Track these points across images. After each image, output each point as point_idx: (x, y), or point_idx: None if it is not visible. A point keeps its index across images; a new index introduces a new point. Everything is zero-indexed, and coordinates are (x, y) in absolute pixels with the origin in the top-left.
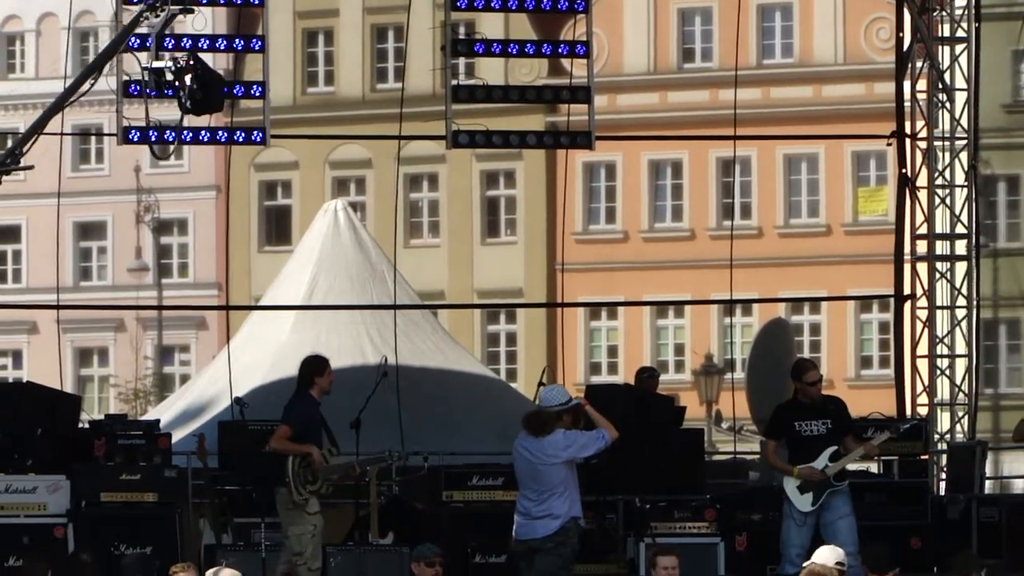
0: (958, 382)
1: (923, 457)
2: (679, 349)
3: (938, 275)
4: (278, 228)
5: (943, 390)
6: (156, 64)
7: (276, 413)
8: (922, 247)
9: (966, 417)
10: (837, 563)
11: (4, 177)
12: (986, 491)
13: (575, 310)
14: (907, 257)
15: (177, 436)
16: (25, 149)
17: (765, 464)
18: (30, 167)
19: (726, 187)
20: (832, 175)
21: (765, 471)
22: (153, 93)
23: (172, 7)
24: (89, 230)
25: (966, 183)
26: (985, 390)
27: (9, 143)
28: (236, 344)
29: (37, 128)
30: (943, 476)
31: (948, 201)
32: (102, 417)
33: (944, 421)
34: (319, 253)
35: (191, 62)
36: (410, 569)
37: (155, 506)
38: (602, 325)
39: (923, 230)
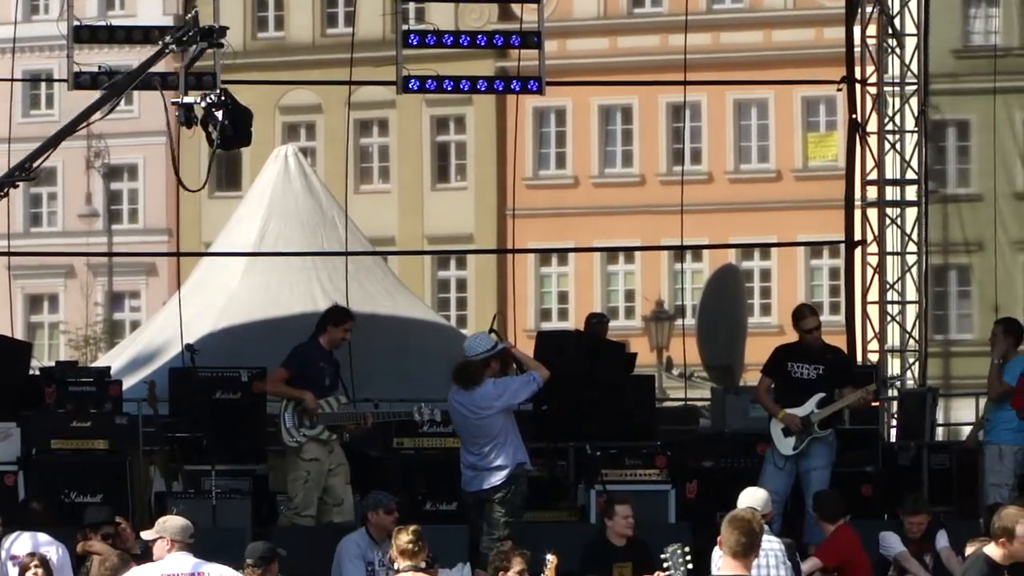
0: (908, 328)
1: (874, 404)
2: (630, 295)
3: (888, 221)
4: (228, 174)
5: (894, 336)
6: (186, 100)
7: (227, 359)
8: (872, 193)
9: (917, 363)
10: (760, 509)
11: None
12: (937, 438)
13: (525, 256)
14: (857, 203)
15: (128, 383)
16: (36, 165)
17: (716, 411)
18: (34, 178)
19: (676, 132)
20: (782, 120)
21: (716, 418)
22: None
23: (201, 42)
24: (39, 176)
25: (916, 129)
26: (935, 336)
27: None
28: (186, 290)
29: (49, 146)
30: (894, 423)
31: (898, 147)
32: (52, 364)
33: (895, 367)
34: (270, 199)
35: (222, 97)
36: (365, 517)
37: (106, 453)
38: (552, 271)
39: (873, 176)
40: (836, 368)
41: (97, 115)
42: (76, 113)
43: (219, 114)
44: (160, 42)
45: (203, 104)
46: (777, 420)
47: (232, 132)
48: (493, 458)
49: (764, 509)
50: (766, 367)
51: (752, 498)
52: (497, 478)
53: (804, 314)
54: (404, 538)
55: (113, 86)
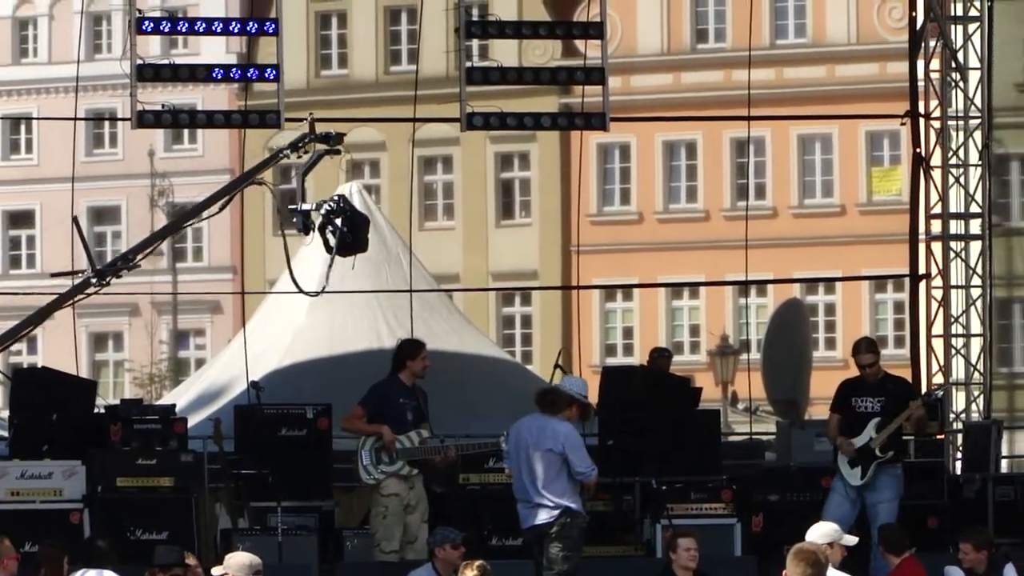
0: (973, 361)
1: (939, 436)
2: (694, 330)
3: (952, 254)
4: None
5: (958, 369)
6: (303, 207)
7: (291, 396)
8: (936, 227)
9: (981, 396)
10: (830, 542)
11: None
12: (1002, 470)
13: (590, 292)
14: (922, 237)
15: (193, 420)
16: (141, 257)
17: (781, 445)
18: (137, 265)
19: (740, 168)
20: (846, 155)
21: (781, 452)
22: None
23: (320, 147)
24: (103, 214)
25: (980, 162)
26: (1000, 369)
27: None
28: (251, 328)
29: (156, 239)
30: (959, 455)
31: (962, 180)
32: (117, 402)
33: (959, 400)
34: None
35: (341, 204)
36: (432, 552)
37: (171, 491)
38: (617, 307)
39: (937, 209)
40: (897, 397)
41: (215, 207)
42: (139, 151)
43: (338, 221)
44: (277, 150)
45: (322, 211)
46: (841, 452)
47: (351, 239)
48: (547, 493)
49: (829, 539)
50: (833, 403)
51: (819, 532)
52: (550, 515)
53: (860, 349)
54: (470, 574)
55: (228, 185)
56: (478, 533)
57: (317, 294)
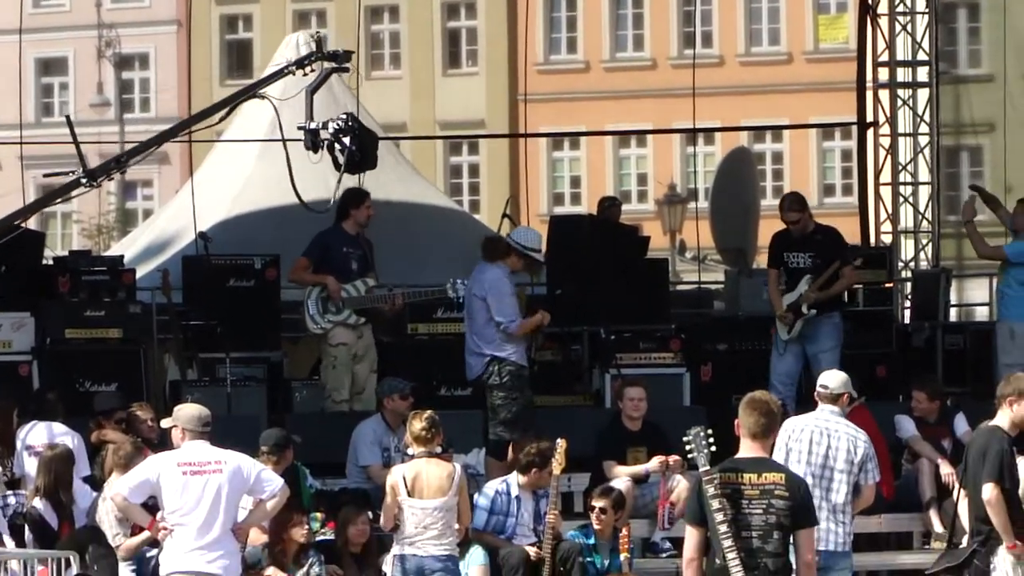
0: (921, 209)
1: (888, 285)
2: (642, 179)
3: (900, 102)
4: (240, 62)
5: (907, 217)
6: (311, 125)
7: (240, 247)
8: (883, 74)
9: (930, 245)
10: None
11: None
12: (951, 319)
13: (538, 141)
14: (869, 84)
15: (141, 271)
16: (132, 162)
17: (730, 294)
18: (126, 169)
19: (687, 15)
20: (792, 2)
21: (730, 301)
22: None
23: (327, 64)
24: (51, 66)
25: (927, 10)
26: (948, 217)
27: None
28: (199, 178)
29: (149, 145)
30: (907, 304)
31: (909, 28)
32: (66, 253)
33: (908, 249)
34: (282, 86)
35: (349, 123)
36: (381, 403)
37: (120, 342)
38: (564, 156)
39: (884, 57)
40: (826, 248)
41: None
42: (86, 2)
43: (347, 139)
44: (283, 66)
45: (330, 129)
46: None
47: (359, 157)
48: (478, 341)
49: (844, 389)
50: (769, 259)
51: (838, 380)
52: (480, 363)
53: (783, 206)
54: (418, 424)
55: (231, 96)
56: (427, 383)
57: (324, 212)
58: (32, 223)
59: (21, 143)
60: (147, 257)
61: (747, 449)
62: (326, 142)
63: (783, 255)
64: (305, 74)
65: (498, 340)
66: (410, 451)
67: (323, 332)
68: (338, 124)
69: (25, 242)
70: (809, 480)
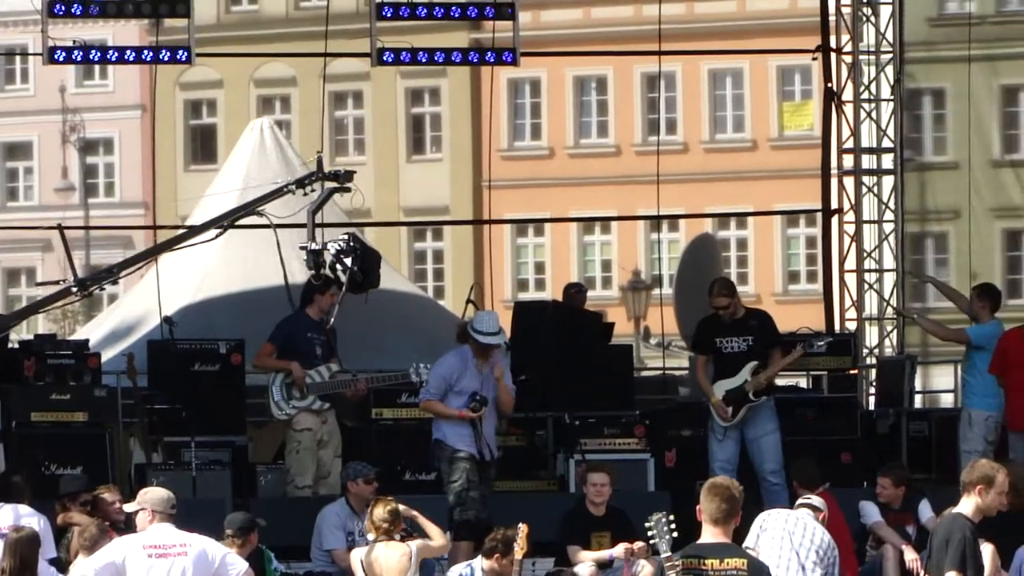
0: (886, 296)
1: (852, 372)
2: (606, 265)
3: (865, 189)
4: (204, 147)
5: (871, 304)
6: (313, 246)
7: (204, 332)
8: (848, 161)
9: (895, 331)
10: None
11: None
12: (915, 405)
13: (502, 227)
14: (834, 171)
15: (106, 355)
16: (124, 274)
17: (694, 380)
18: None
19: (651, 103)
20: (757, 90)
21: (694, 387)
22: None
23: (329, 184)
24: (15, 150)
25: (892, 97)
26: (913, 304)
27: None
28: (164, 263)
29: (142, 258)
30: (872, 391)
31: (874, 115)
32: (31, 337)
33: (873, 336)
34: (246, 171)
35: (351, 243)
36: (345, 487)
37: (85, 425)
38: (529, 242)
39: (849, 144)
40: (763, 334)
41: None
42: (50, 87)
43: (348, 260)
44: (282, 184)
45: (332, 250)
46: (712, 406)
47: (362, 278)
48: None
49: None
50: (695, 345)
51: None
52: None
53: (712, 292)
54: (379, 513)
55: (223, 216)
56: (391, 468)
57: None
58: None
59: None
60: (112, 341)
61: (709, 535)
62: (328, 263)
63: (715, 341)
64: (305, 193)
65: (439, 422)
66: (369, 536)
67: (288, 418)
68: (339, 245)
69: None
70: (776, 570)
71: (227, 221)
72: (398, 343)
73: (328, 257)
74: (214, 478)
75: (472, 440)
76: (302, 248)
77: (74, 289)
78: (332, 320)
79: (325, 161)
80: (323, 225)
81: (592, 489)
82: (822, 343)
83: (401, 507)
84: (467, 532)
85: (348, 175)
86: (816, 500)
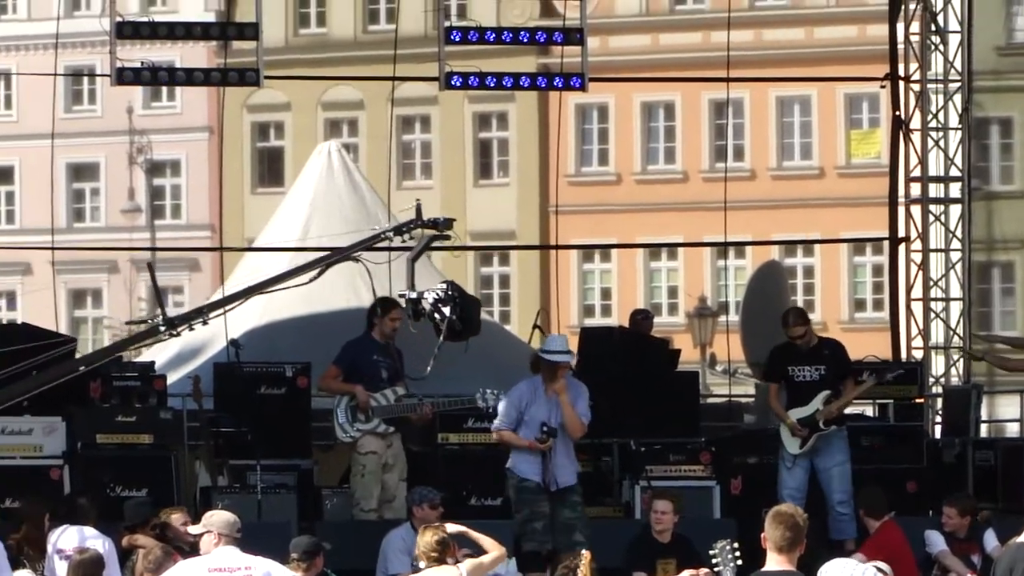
0: (953, 325)
1: (918, 401)
2: (672, 292)
3: (932, 218)
4: (271, 170)
5: (938, 333)
6: (411, 295)
7: (270, 355)
8: (916, 190)
9: (961, 360)
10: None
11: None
12: (981, 434)
13: (568, 253)
14: (901, 200)
15: (172, 378)
16: (213, 315)
17: (760, 407)
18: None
19: (719, 129)
20: (825, 117)
21: (760, 414)
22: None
23: (428, 231)
24: (82, 171)
25: (959, 126)
26: (979, 333)
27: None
28: (230, 286)
29: (234, 299)
30: (938, 420)
31: (942, 144)
32: None
33: (939, 364)
34: (313, 195)
35: (449, 292)
36: (411, 511)
37: (151, 448)
38: (595, 267)
39: (917, 173)
40: (836, 363)
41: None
42: (118, 108)
43: (446, 309)
44: (380, 231)
45: (430, 300)
46: (789, 430)
47: (460, 327)
48: None
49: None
50: (767, 373)
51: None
52: None
53: (788, 321)
54: (426, 541)
55: (318, 260)
56: (457, 493)
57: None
58: (63, 328)
59: (53, 248)
60: (178, 363)
61: (773, 563)
62: (427, 312)
63: (787, 369)
64: (403, 240)
65: (514, 454)
66: (420, 564)
67: (352, 441)
68: (437, 295)
69: (56, 348)
70: None
71: (323, 265)
72: (464, 367)
73: (426, 306)
74: (279, 501)
75: (540, 469)
76: (400, 296)
77: (162, 328)
78: (429, 369)
79: (392, 184)
80: (392, 249)
81: (655, 517)
82: (893, 373)
83: (450, 527)
84: (531, 563)
85: (447, 222)
86: (884, 567)
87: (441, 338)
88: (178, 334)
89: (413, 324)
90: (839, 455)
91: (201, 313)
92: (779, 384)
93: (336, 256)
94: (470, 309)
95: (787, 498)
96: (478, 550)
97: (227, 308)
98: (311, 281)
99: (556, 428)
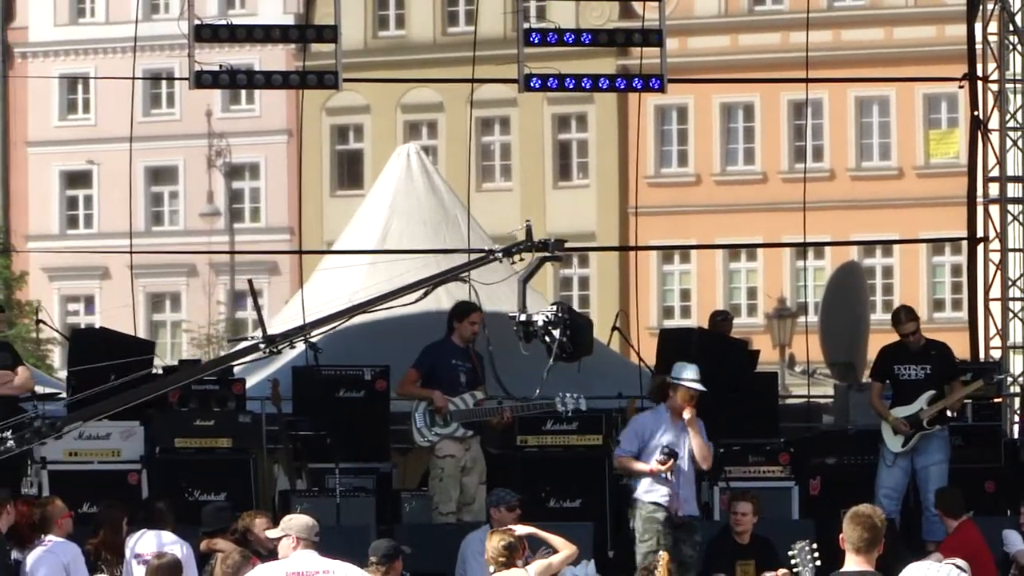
0: None
1: (996, 400)
2: (752, 292)
3: (1010, 218)
4: (350, 172)
5: (1016, 333)
6: (522, 316)
7: (349, 358)
8: (994, 190)
9: None
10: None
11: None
12: None
13: (647, 254)
14: (979, 200)
15: (251, 381)
16: (317, 334)
17: (838, 408)
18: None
19: (798, 130)
20: (903, 117)
21: (839, 415)
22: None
23: (539, 253)
24: (161, 175)
25: None
26: None
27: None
28: (309, 289)
29: (336, 317)
30: (1016, 419)
31: (1020, 143)
32: (176, 363)
33: (1017, 364)
34: (392, 197)
35: (559, 314)
36: (488, 513)
37: (229, 452)
38: (675, 269)
39: (995, 172)
40: (943, 364)
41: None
42: (197, 111)
43: (556, 332)
44: (490, 252)
45: (539, 322)
46: (893, 427)
47: (571, 348)
48: None
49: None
50: (874, 371)
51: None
52: None
53: (900, 319)
54: (493, 546)
55: (426, 280)
56: (535, 495)
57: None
58: (141, 332)
59: (131, 252)
60: (257, 367)
61: (852, 563)
62: (538, 334)
63: (893, 368)
64: (513, 262)
65: (638, 480)
66: (490, 569)
67: (430, 444)
68: (547, 317)
69: (135, 351)
70: None
71: (430, 285)
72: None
73: (537, 328)
74: (358, 505)
75: (668, 498)
76: (511, 317)
77: (262, 346)
78: (538, 392)
79: (472, 187)
80: (472, 251)
81: (734, 518)
82: (1001, 375)
83: (519, 529)
84: None
85: (559, 244)
86: (963, 563)
87: (551, 360)
88: (279, 351)
89: (524, 346)
90: (937, 454)
91: (303, 331)
92: (882, 384)
93: (445, 276)
94: (581, 331)
95: (883, 498)
96: (553, 550)
97: (330, 327)
98: (417, 301)
99: (676, 451)
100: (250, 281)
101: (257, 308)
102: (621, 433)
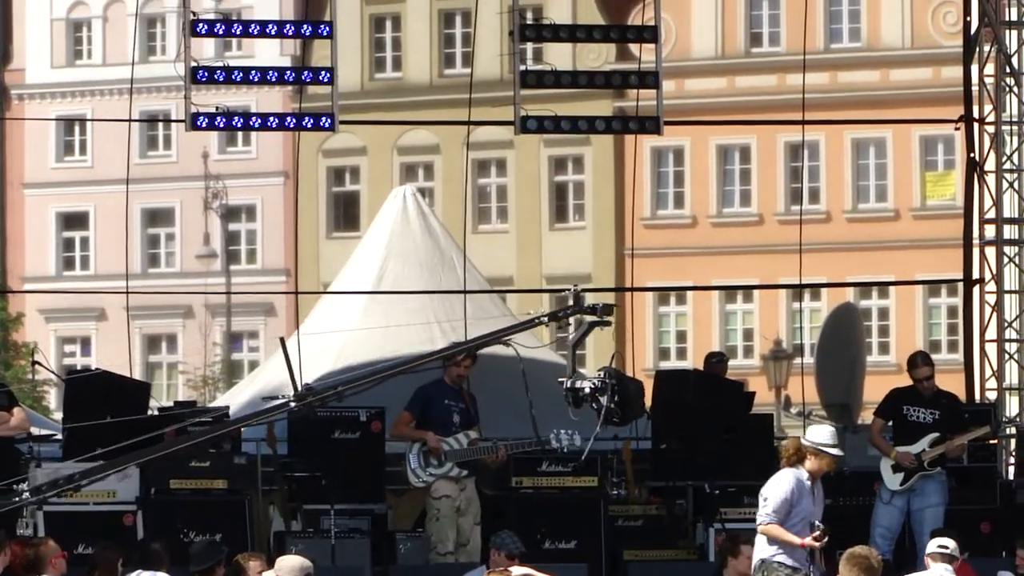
0: None
1: (992, 442)
2: (748, 334)
3: (1006, 259)
4: (346, 214)
5: (1011, 374)
6: (569, 383)
7: (344, 399)
8: (990, 231)
9: None
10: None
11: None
12: None
13: (643, 295)
14: (975, 241)
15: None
16: (347, 392)
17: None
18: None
19: (794, 172)
20: (900, 159)
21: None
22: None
23: (588, 318)
24: (157, 216)
25: None
26: None
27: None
28: (305, 330)
29: (367, 376)
30: (1012, 461)
31: (1016, 185)
32: (171, 404)
33: (1013, 405)
34: (388, 239)
35: (606, 380)
36: (488, 553)
37: (225, 493)
38: (671, 310)
39: (991, 214)
40: (951, 413)
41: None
42: (193, 153)
43: (603, 399)
44: (535, 317)
45: (587, 389)
46: (888, 458)
47: (620, 414)
48: None
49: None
50: (880, 409)
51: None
52: None
53: (917, 363)
54: None
55: (461, 343)
56: (531, 536)
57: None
58: (137, 373)
59: (128, 292)
60: (252, 408)
61: None
62: (586, 399)
63: (902, 408)
64: (559, 327)
65: (767, 543)
66: None
67: (425, 485)
68: (594, 384)
69: (130, 392)
70: None
71: (468, 347)
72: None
73: (585, 395)
74: (353, 546)
75: (805, 563)
76: (560, 382)
77: (293, 404)
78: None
79: (468, 228)
80: (468, 292)
81: (746, 562)
82: (1009, 422)
83: (514, 571)
84: None
85: (607, 308)
86: (950, 543)
87: (598, 427)
88: (312, 411)
89: (574, 411)
90: (935, 497)
91: (335, 390)
92: (885, 423)
93: (486, 339)
94: (630, 395)
95: (878, 537)
96: None
97: (364, 386)
98: (462, 359)
99: (828, 528)
100: (282, 339)
101: (289, 367)
102: (766, 497)
